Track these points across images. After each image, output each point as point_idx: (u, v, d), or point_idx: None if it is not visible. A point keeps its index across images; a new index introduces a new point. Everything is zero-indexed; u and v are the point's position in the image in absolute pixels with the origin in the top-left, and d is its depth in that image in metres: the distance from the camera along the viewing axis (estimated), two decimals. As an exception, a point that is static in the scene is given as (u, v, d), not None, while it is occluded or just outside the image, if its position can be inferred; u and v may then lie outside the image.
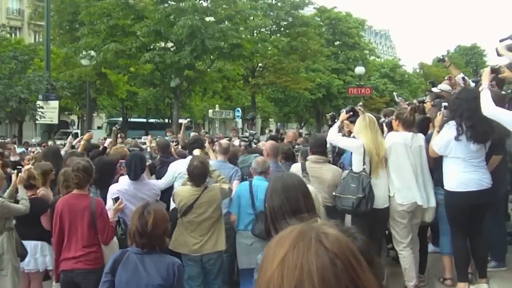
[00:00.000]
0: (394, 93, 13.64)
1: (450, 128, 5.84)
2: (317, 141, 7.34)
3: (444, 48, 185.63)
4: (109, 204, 6.57)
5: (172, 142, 11.34)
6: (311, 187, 3.92)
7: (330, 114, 9.88)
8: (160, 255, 4.33)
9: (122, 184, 6.82)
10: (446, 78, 8.03)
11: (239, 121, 38.38)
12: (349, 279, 1.27)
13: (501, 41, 6.52)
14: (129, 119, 48.93)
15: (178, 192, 6.70)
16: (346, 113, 7.35)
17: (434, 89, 8.58)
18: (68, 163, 7.30)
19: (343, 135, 7.43)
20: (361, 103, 10.27)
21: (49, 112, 24.54)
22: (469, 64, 77.57)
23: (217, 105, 38.83)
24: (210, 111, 36.23)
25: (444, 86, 8.23)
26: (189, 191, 6.50)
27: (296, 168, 6.98)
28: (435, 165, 6.37)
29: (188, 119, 12.58)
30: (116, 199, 6.47)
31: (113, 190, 6.74)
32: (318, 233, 1.34)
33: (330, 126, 10.01)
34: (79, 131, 36.34)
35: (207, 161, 6.70)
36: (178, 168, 7.69)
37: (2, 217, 6.47)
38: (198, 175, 6.42)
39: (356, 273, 1.29)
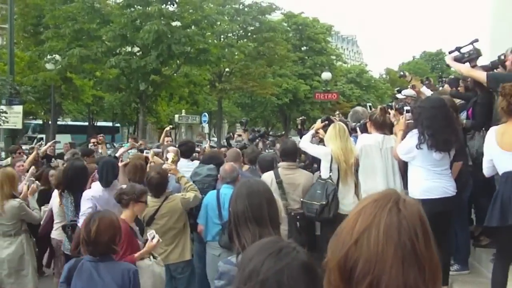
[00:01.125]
0: (368, 104, 13.77)
1: (413, 136, 5.88)
2: (287, 148, 7.34)
3: (410, 54, 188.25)
4: (83, 210, 6.51)
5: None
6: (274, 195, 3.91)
7: (300, 118, 9.93)
8: (114, 262, 4.32)
9: (96, 191, 6.71)
10: (409, 86, 8.17)
11: (205, 126, 38.23)
12: (409, 239, 1.50)
13: (450, 52, 6.84)
14: (93, 123, 48.47)
15: None
16: (322, 122, 7.42)
17: (399, 96, 8.68)
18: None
19: (318, 143, 7.49)
20: (337, 113, 10.30)
21: (13, 117, 24.03)
22: (435, 70, 78.74)
23: (183, 110, 38.61)
24: (177, 116, 36.03)
25: (408, 91, 8.35)
26: (149, 202, 6.43)
27: (269, 175, 6.96)
28: (405, 170, 6.41)
29: (171, 126, 12.68)
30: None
31: (87, 196, 6.64)
32: (398, 197, 1.60)
33: (300, 130, 10.09)
34: (43, 136, 35.84)
35: (165, 172, 6.63)
36: None
37: (19, 218, 6.78)
38: (156, 185, 6.41)
39: (417, 237, 1.51)
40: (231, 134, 15.34)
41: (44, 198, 8.33)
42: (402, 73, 8.79)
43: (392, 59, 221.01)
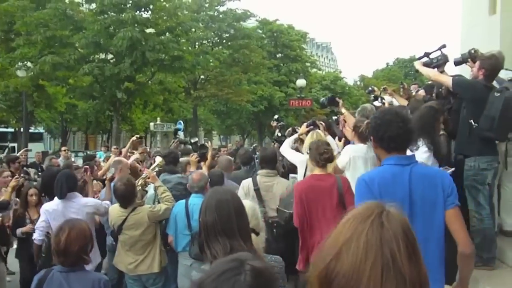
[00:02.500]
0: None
1: None
2: (267, 155, 7.27)
3: (383, 60, 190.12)
4: (37, 224, 6.53)
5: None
6: (249, 203, 3.82)
7: (279, 124, 9.83)
8: (84, 272, 4.26)
9: (52, 204, 6.57)
10: (382, 88, 8.20)
11: (181, 134, 38.07)
12: (390, 251, 1.48)
13: (419, 58, 7.00)
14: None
15: (109, 210, 6.59)
16: (307, 127, 7.38)
17: (376, 103, 8.68)
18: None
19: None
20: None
21: (-17, 125, 23.83)
22: (408, 76, 79.43)
23: (158, 118, 38.39)
24: (152, 124, 35.80)
25: (388, 98, 8.43)
26: (117, 211, 6.43)
27: (247, 182, 6.91)
28: None
29: (137, 136, 11.76)
30: None
31: (43, 209, 6.57)
32: (381, 209, 1.58)
33: (276, 130, 10.03)
34: (15, 145, 35.33)
35: (132, 182, 6.51)
36: None
37: None
38: (120, 196, 6.34)
39: (399, 249, 1.49)
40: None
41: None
42: (370, 88, 8.87)
43: (366, 66, 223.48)
